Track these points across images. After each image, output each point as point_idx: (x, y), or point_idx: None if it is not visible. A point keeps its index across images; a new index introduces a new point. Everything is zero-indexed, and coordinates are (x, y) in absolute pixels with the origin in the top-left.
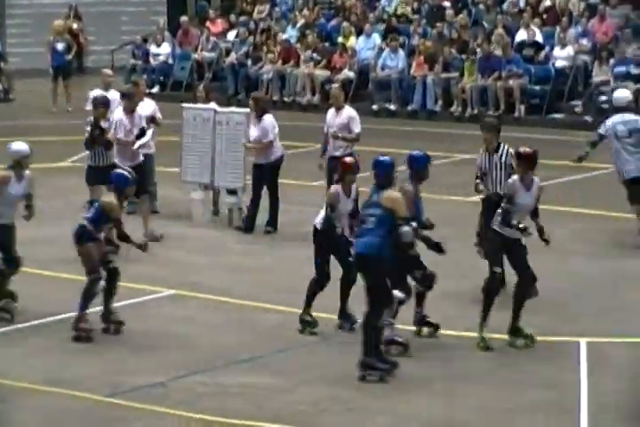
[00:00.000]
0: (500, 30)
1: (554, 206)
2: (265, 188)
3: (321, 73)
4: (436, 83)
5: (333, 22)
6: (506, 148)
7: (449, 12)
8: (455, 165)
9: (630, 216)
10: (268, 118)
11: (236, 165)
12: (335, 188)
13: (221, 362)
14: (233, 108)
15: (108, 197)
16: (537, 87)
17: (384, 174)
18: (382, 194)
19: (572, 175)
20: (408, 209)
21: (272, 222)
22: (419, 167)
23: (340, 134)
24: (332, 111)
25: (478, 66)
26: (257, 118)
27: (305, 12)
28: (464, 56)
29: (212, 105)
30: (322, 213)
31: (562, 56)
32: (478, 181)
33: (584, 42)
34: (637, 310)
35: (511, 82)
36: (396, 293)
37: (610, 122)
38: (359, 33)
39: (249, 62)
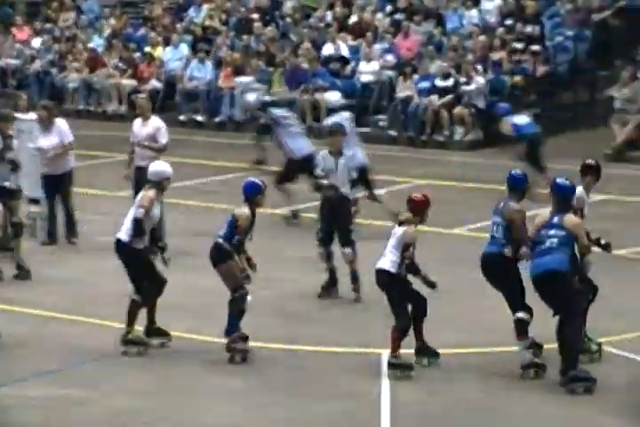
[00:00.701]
0: (306, 44)
1: None
2: (58, 197)
3: (128, 83)
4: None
5: (141, 32)
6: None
7: (257, 25)
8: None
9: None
10: (62, 123)
11: (38, 173)
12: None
13: (26, 374)
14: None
15: (239, 209)
16: (343, 101)
17: (563, 198)
18: (564, 217)
19: None
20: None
21: (72, 232)
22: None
23: (146, 143)
24: (138, 121)
25: (285, 78)
26: (47, 126)
27: (112, 20)
28: (271, 68)
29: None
30: (389, 258)
31: (367, 71)
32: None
33: (389, 57)
34: (437, 321)
35: (317, 95)
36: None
37: None
38: (167, 43)
39: (54, 70)
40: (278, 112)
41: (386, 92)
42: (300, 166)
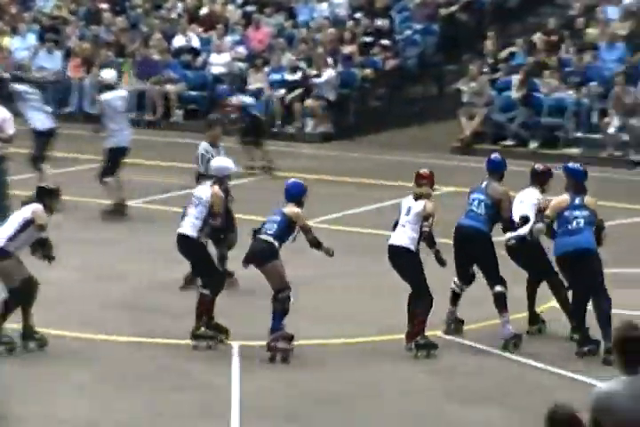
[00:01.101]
0: (157, 35)
1: None
2: None
3: None
4: (93, 85)
5: None
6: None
7: (106, 15)
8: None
9: None
10: None
11: None
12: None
13: None
14: None
15: (289, 208)
16: (194, 93)
17: (577, 181)
18: (584, 198)
19: None
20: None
21: None
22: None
23: None
24: None
25: (136, 70)
26: None
27: None
28: (121, 59)
29: None
30: (407, 234)
31: (218, 62)
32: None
33: (240, 49)
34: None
35: (168, 87)
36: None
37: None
38: (14, 32)
39: None
40: (22, 87)
41: (237, 84)
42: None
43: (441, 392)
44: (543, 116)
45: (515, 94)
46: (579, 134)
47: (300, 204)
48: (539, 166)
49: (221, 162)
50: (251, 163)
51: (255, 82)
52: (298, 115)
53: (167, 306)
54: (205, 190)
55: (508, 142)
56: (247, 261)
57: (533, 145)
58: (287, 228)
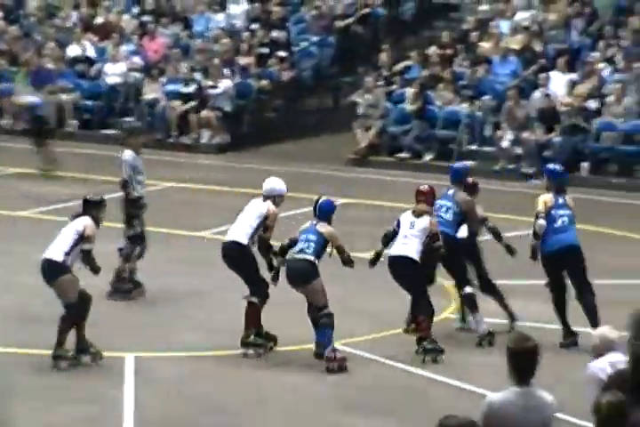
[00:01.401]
0: (51, 44)
1: None
2: None
3: None
4: None
5: None
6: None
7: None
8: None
9: None
10: None
11: None
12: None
13: None
14: None
15: (323, 228)
16: (89, 102)
17: (557, 181)
18: (566, 197)
19: None
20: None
21: None
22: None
23: None
24: None
25: (30, 79)
26: None
27: None
28: (15, 68)
29: None
30: (413, 247)
31: (114, 72)
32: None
33: (136, 59)
34: (173, 325)
35: (63, 96)
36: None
37: None
38: None
39: None
40: None
41: (132, 94)
42: None
43: (330, 403)
44: (437, 129)
45: (409, 107)
46: (472, 147)
47: (330, 222)
48: (470, 180)
49: (274, 183)
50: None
51: (150, 92)
52: (194, 126)
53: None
54: (261, 204)
55: (403, 155)
56: (291, 281)
57: (428, 157)
58: (323, 246)
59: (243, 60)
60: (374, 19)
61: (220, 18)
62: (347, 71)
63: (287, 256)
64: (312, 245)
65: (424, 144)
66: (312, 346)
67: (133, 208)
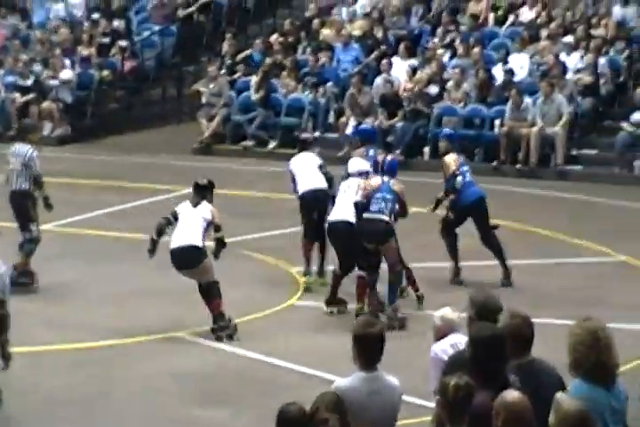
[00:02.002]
0: None
1: None
2: None
3: None
4: None
5: None
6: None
7: None
8: None
9: None
10: None
11: None
12: None
13: None
14: None
15: (396, 185)
16: None
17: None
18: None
19: None
20: None
21: None
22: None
23: None
24: None
25: None
26: None
27: None
28: None
29: None
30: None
31: None
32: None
33: None
34: (28, 320)
35: None
36: None
37: None
38: None
39: None
40: None
41: None
42: None
43: (175, 394)
44: (282, 117)
45: (254, 95)
46: (316, 134)
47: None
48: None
49: (358, 163)
50: None
51: None
52: (34, 118)
53: None
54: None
55: (248, 143)
56: (370, 240)
57: (272, 145)
58: (395, 204)
59: (83, 51)
60: (217, 7)
61: (59, 7)
62: (190, 60)
63: (365, 215)
64: (389, 204)
65: (268, 132)
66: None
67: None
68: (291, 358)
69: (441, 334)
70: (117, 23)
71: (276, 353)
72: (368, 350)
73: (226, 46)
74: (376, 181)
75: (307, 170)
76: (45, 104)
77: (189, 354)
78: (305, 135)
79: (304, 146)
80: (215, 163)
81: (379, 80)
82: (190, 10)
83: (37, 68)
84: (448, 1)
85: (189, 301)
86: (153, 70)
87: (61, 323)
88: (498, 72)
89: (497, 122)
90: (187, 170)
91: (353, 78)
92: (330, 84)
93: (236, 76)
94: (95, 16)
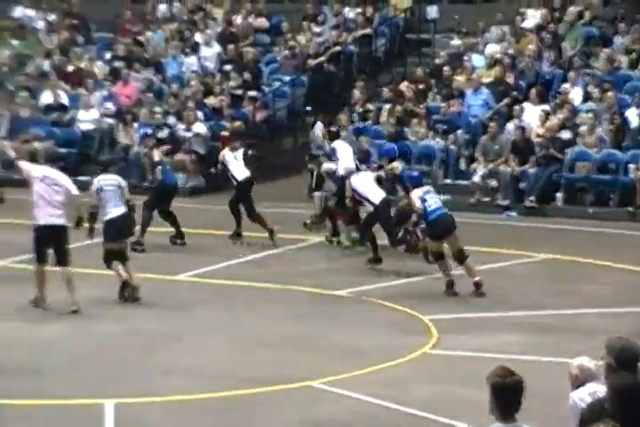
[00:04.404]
0: (24, 92)
1: None
2: None
3: None
4: None
5: None
6: None
7: None
8: None
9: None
10: None
11: None
12: None
13: None
14: None
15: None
16: (63, 150)
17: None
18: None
19: None
20: None
21: None
22: None
23: None
24: None
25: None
26: None
27: None
28: None
29: None
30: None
31: (87, 119)
32: None
33: (108, 105)
34: (158, 369)
35: (36, 144)
36: None
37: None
38: None
39: None
40: None
41: (107, 140)
42: None
43: None
44: (412, 164)
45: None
46: (447, 181)
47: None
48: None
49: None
50: None
51: (125, 137)
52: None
53: (36, 364)
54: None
55: None
56: (450, 230)
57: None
58: None
59: (215, 102)
60: (347, 56)
61: (192, 60)
62: (320, 109)
63: (439, 211)
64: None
65: None
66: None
67: None
68: (425, 406)
69: (579, 383)
70: (249, 74)
71: (411, 402)
72: (506, 401)
73: (356, 94)
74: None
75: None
76: (179, 156)
77: (323, 403)
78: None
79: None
80: None
81: (510, 126)
82: (320, 59)
83: (171, 120)
84: (580, 45)
85: (321, 349)
86: (284, 120)
87: (191, 371)
88: (632, 116)
89: (632, 166)
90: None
91: (491, 124)
92: (460, 130)
93: (366, 123)
94: (227, 68)
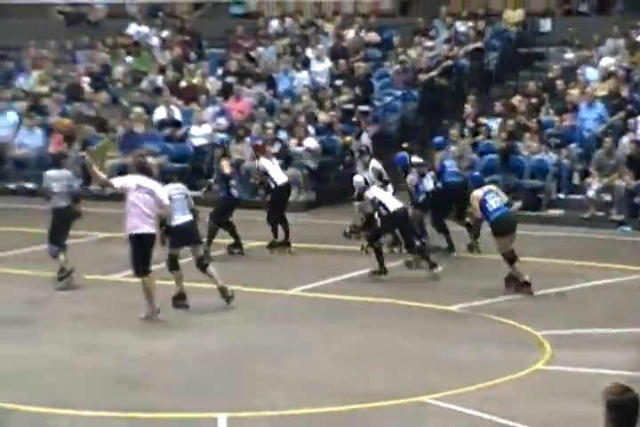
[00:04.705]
0: (137, 108)
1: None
2: None
3: None
4: (75, 161)
5: None
6: None
7: (87, 90)
8: (96, 243)
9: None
10: None
11: None
12: None
13: None
14: None
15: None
16: (176, 165)
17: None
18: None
19: None
20: None
21: None
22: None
23: None
24: None
25: (119, 144)
26: None
27: None
28: (103, 134)
29: None
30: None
31: (200, 134)
32: None
33: (221, 120)
34: (270, 383)
35: (150, 160)
36: None
37: None
38: None
39: None
40: None
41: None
42: None
43: None
44: (525, 179)
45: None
46: (561, 196)
47: None
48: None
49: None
50: None
51: (237, 152)
52: None
53: (151, 378)
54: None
55: None
56: (512, 228)
57: (515, 207)
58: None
59: (326, 117)
60: (458, 70)
61: (303, 76)
62: (432, 124)
63: (501, 210)
64: (503, 197)
65: (511, 194)
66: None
67: None
68: (537, 423)
69: None
70: (359, 89)
71: (523, 418)
72: (621, 418)
73: (468, 109)
74: None
75: None
76: (290, 170)
77: (435, 419)
78: None
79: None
80: (462, 227)
81: (625, 140)
82: (432, 74)
83: (283, 135)
84: None
85: (432, 364)
86: (396, 134)
87: (302, 386)
88: None
89: None
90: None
91: (605, 138)
92: (574, 144)
93: (478, 138)
94: (338, 83)
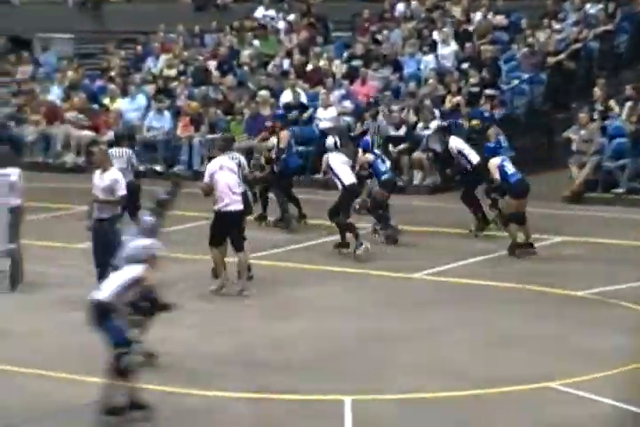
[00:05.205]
0: (264, 91)
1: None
2: None
3: (86, 134)
4: (203, 144)
5: (98, 83)
6: None
7: (215, 74)
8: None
9: None
10: None
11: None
12: None
13: None
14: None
15: None
16: (301, 148)
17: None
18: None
19: None
20: None
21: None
22: None
23: (100, 198)
24: (97, 173)
25: (246, 126)
26: None
27: (69, 73)
28: (229, 117)
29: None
30: None
31: (325, 117)
32: None
33: (346, 103)
34: (395, 367)
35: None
36: None
37: None
38: (125, 94)
39: (12, 123)
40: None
41: (345, 139)
42: None
43: None
44: None
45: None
46: None
47: None
48: None
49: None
50: None
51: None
52: (405, 168)
53: (279, 361)
54: None
55: (620, 190)
56: (527, 192)
57: None
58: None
59: (453, 101)
60: (587, 53)
61: (430, 59)
62: (560, 108)
63: (518, 175)
64: None
65: None
66: None
67: None
68: None
69: None
70: (486, 72)
71: None
72: None
73: (597, 92)
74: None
75: None
76: (416, 154)
77: (561, 405)
78: None
79: None
80: (586, 211)
81: None
82: (560, 57)
83: (411, 118)
84: None
85: (560, 350)
86: (523, 118)
87: (428, 370)
88: None
89: None
90: (557, 218)
91: None
92: None
93: (607, 122)
94: (464, 66)
